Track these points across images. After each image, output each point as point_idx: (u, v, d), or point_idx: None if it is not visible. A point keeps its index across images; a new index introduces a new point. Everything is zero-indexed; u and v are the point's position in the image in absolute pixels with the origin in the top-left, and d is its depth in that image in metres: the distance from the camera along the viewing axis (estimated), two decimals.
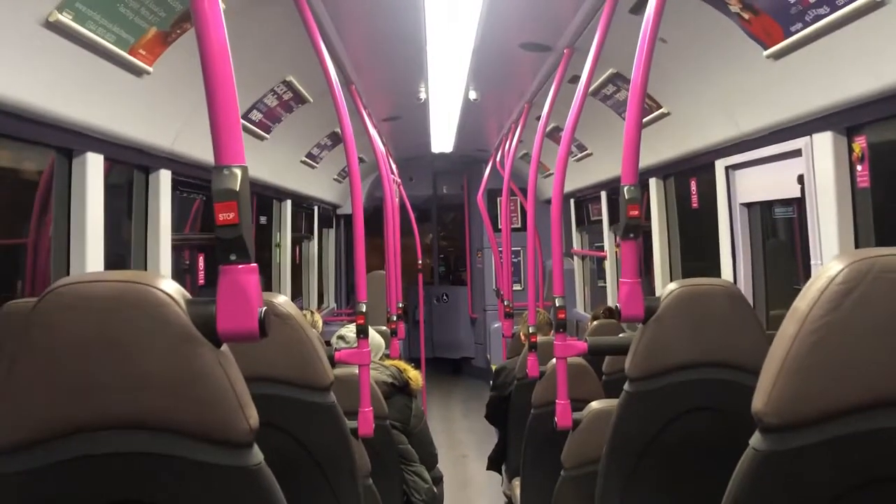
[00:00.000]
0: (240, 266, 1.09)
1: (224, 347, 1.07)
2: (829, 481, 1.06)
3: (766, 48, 2.33)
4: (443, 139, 6.74)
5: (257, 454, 1.07)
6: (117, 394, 1.01)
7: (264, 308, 1.09)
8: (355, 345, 2.76)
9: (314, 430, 1.85)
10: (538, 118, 3.51)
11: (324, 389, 1.85)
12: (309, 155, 5.10)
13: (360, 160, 6.63)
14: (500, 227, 7.18)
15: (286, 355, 1.79)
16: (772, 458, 1.08)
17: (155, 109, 2.58)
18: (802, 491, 1.07)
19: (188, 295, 1.05)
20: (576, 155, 5.27)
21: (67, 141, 2.26)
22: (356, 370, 2.59)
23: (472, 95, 4.68)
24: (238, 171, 1.10)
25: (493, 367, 4.68)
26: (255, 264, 1.10)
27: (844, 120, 2.31)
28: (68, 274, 2.38)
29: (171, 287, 1.03)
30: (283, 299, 1.81)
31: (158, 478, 1.04)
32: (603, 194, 5.50)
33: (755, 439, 1.10)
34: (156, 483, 1.04)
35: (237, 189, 1.09)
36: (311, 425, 1.85)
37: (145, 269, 2.98)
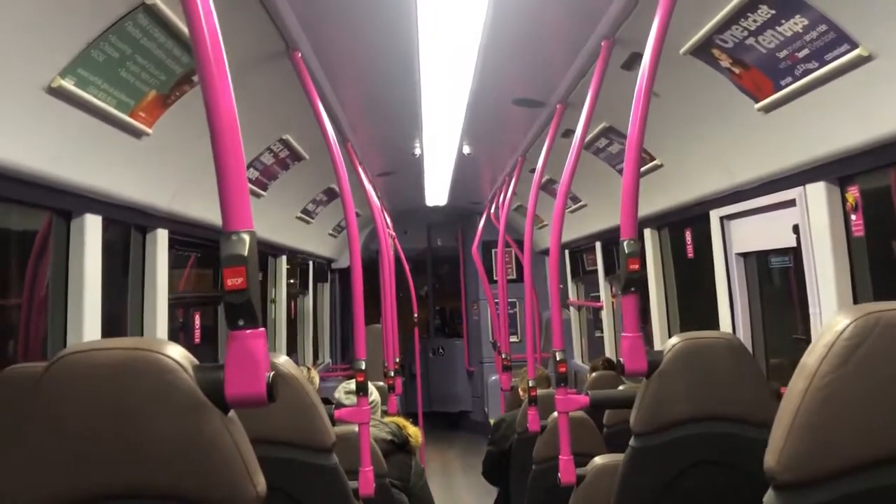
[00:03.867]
0: (248, 331, 1.08)
1: (232, 413, 1.05)
2: None
3: (757, 101, 2.37)
4: (437, 192, 6.80)
5: None
6: (125, 462, 0.99)
7: (272, 373, 1.08)
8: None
9: (317, 493, 1.82)
10: (532, 171, 3.55)
11: (326, 450, 1.83)
12: (304, 211, 5.12)
13: (357, 214, 6.66)
14: (495, 278, 7.19)
15: (288, 417, 1.77)
16: None
17: (153, 170, 2.60)
18: None
19: (195, 360, 1.04)
20: (570, 206, 5.31)
21: (67, 203, 2.27)
22: (356, 428, 2.55)
23: (466, 150, 4.74)
24: (247, 237, 1.10)
25: (492, 421, 4.63)
26: (263, 329, 1.09)
27: (837, 170, 2.34)
28: (65, 334, 2.36)
29: (178, 353, 1.03)
30: (284, 359, 1.80)
31: None
32: (598, 245, 5.52)
33: (769, 497, 1.09)
34: None
35: (246, 254, 1.09)
36: (313, 488, 1.82)
37: (142, 328, 2.96)
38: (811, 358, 1.08)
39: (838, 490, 1.05)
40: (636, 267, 1.93)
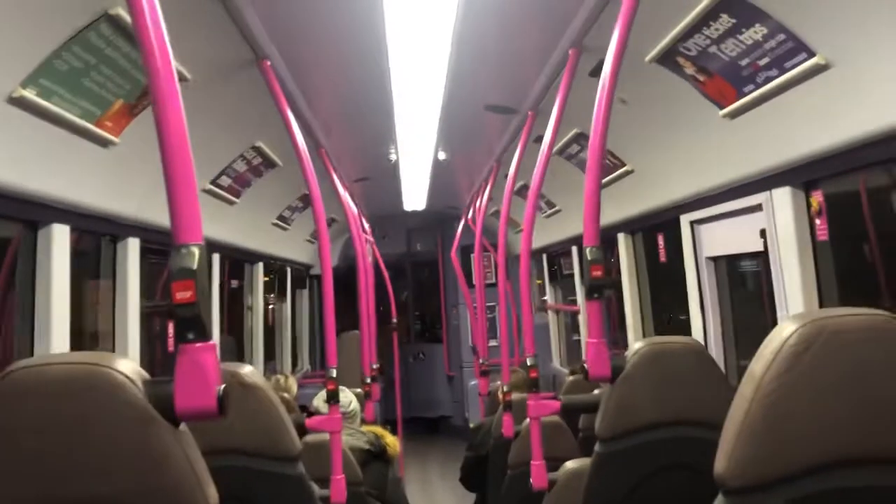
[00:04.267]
0: (197, 345, 1.08)
1: (183, 427, 1.05)
2: None
3: (721, 108, 2.40)
4: (415, 198, 6.80)
5: None
6: (75, 477, 0.99)
7: (223, 386, 1.08)
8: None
9: (282, 503, 1.82)
10: (507, 176, 3.57)
11: (292, 460, 1.82)
12: (280, 217, 5.11)
13: (333, 220, 6.65)
14: (474, 283, 7.20)
15: (253, 427, 1.76)
16: None
17: (122, 178, 2.59)
18: None
19: (146, 375, 1.04)
20: (545, 211, 5.34)
21: (33, 213, 2.25)
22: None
23: (442, 156, 4.75)
24: (196, 250, 1.10)
25: (472, 426, 4.63)
26: (213, 342, 1.09)
27: (801, 175, 2.37)
28: (32, 346, 2.34)
29: (128, 367, 1.02)
30: (248, 369, 1.80)
31: None
32: (574, 249, 5.55)
33: (719, 501, 1.11)
34: None
35: (194, 268, 1.09)
36: (279, 497, 1.81)
37: (114, 338, 2.94)
38: (758, 365, 1.09)
39: (786, 494, 1.06)
40: (599, 273, 1.95)
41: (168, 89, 1.15)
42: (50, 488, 0.99)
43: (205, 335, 1.08)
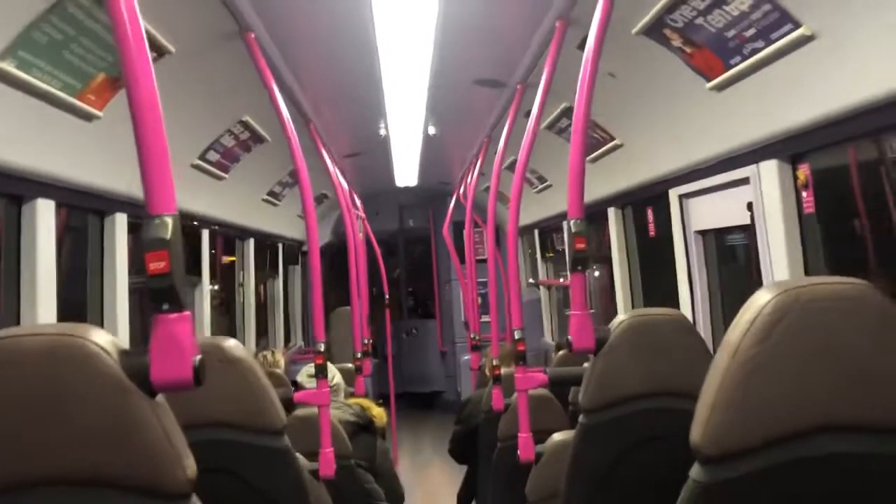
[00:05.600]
0: (172, 315, 1.08)
1: (160, 397, 1.05)
2: None
3: (708, 80, 2.39)
4: (406, 173, 6.77)
5: None
6: (49, 449, 0.99)
7: (199, 357, 1.08)
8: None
9: (268, 475, 1.83)
10: (497, 151, 3.56)
11: (276, 433, 1.83)
12: (271, 193, 5.09)
13: (324, 196, 6.62)
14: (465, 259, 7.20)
15: (236, 400, 1.77)
16: (712, 488, 1.09)
17: (108, 153, 2.57)
18: None
19: (122, 345, 1.04)
20: (536, 186, 5.33)
21: (16, 187, 2.24)
22: (317, 410, 2.56)
23: (432, 130, 4.72)
24: (169, 220, 1.10)
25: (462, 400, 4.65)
26: (187, 313, 1.09)
27: (788, 148, 2.37)
28: (18, 323, 2.33)
29: (103, 338, 1.02)
30: (232, 342, 1.80)
31: None
32: (565, 224, 5.55)
33: (695, 471, 1.12)
34: None
35: (168, 238, 1.08)
36: (264, 470, 1.82)
37: (101, 315, 2.94)
38: (734, 333, 1.10)
39: (760, 462, 1.07)
40: (583, 246, 1.95)
41: (138, 55, 1.13)
42: (23, 460, 0.99)
43: (179, 305, 1.08)
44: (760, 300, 1.10)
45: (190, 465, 1.04)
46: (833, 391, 1.08)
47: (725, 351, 1.11)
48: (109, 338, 1.03)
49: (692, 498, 1.10)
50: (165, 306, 1.07)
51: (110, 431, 1.00)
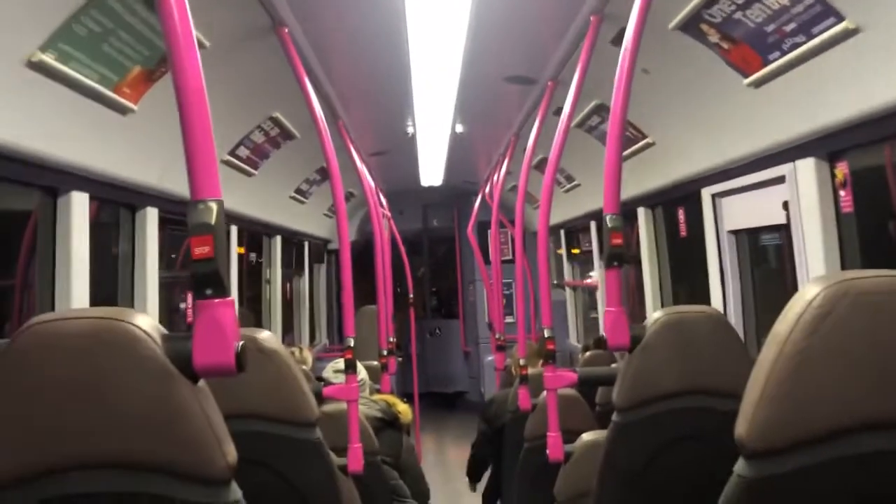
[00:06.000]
0: (216, 301, 1.08)
1: (202, 383, 1.05)
2: None
3: (745, 76, 2.35)
4: (432, 172, 6.77)
5: (235, 491, 1.05)
6: (92, 433, 0.99)
7: (241, 342, 1.08)
8: None
9: (300, 467, 1.83)
10: (525, 150, 3.54)
11: (309, 425, 1.83)
12: (298, 190, 5.11)
13: (351, 195, 6.64)
14: (490, 259, 7.18)
15: (270, 391, 1.77)
16: (756, 484, 1.07)
17: (140, 147, 2.59)
18: None
19: (164, 330, 1.04)
20: (564, 186, 5.30)
21: (51, 180, 2.26)
22: (345, 405, 2.56)
23: (459, 129, 4.71)
24: (214, 206, 1.10)
25: (486, 399, 4.65)
26: (231, 298, 1.09)
27: (826, 146, 2.33)
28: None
29: (146, 323, 1.02)
30: (267, 334, 1.80)
31: None
32: (592, 224, 5.51)
33: (739, 466, 1.10)
34: None
35: (213, 223, 1.08)
36: (296, 462, 1.82)
37: (132, 306, 2.96)
38: (782, 326, 1.08)
39: (806, 458, 1.05)
40: (619, 241, 1.92)
41: (186, 44, 1.14)
42: (67, 443, 0.99)
43: (223, 291, 1.07)
44: (809, 293, 1.07)
45: (231, 452, 1.04)
46: (883, 386, 1.05)
47: (773, 344, 1.08)
48: (152, 322, 1.04)
49: (736, 493, 1.08)
50: (209, 291, 1.07)
51: (152, 416, 1.00)
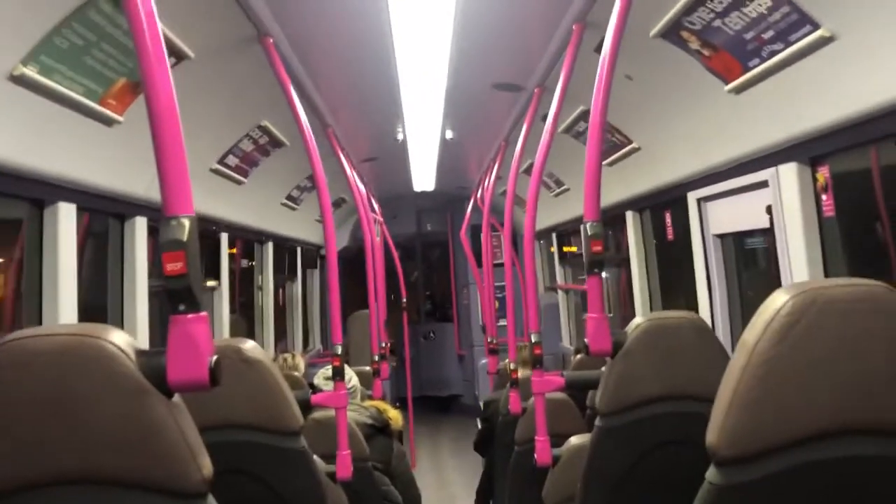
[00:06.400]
0: (189, 316, 1.09)
1: (176, 398, 1.06)
2: None
3: (726, 83, 2.38)
4: (424, 178, 6.79)
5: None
6: (67, 449, 1.00)
7: (215, 357, 1.09)
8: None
9: (285, 476, 1.84)
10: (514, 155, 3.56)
11: (293, 434, 1.84)
12: (289, 197, 5.12)
13: (343, 201, 6.65)
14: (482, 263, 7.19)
15: (254, 401, 1.78)
16: (727, 491, 1.08)
17: (128, 157, 2.60)
18: None
19: (139, 346, 1.05)
20: (554, 190, 5.32)
21: (38, 191, 2.27)
22: (334, 412, 2.57)
23: (449, 135, 4.73)
24: (186, 222, 1.11)
25: (482, 405, 4.68)
26: (204, 313, 1.10)
27: (807, 151, 2.35)
28: (41, 325, 2.36)
29: (120, 339, 1.03)
30: (251, 345, 1.81)
31: None
32: (583, 228, 5.52)
33: (710, 473, 1.11)
34: None
35: (185, 239, 1.09)
36: (281, 471, 1.83)
37: (122, 318, 2.97)
38: (751, 335, 1.09)
39: (776, 465, 1.07)
40: (599, 248, 1.94)
41: (156, 58, 1.14)
42: (42, 460, 1.00)
43: (196, 306, 1.09)
44: (777, 301, 1.09)
45: (206, 465, 1.04)
46: (850, 394, 1.07)
47: (742, 352, 1.10)
48: (126, 338, 1.05)
49: (707, 500, 1.09)
50: (182, 307, 1.08)
51: (127, 431, 1.01)
